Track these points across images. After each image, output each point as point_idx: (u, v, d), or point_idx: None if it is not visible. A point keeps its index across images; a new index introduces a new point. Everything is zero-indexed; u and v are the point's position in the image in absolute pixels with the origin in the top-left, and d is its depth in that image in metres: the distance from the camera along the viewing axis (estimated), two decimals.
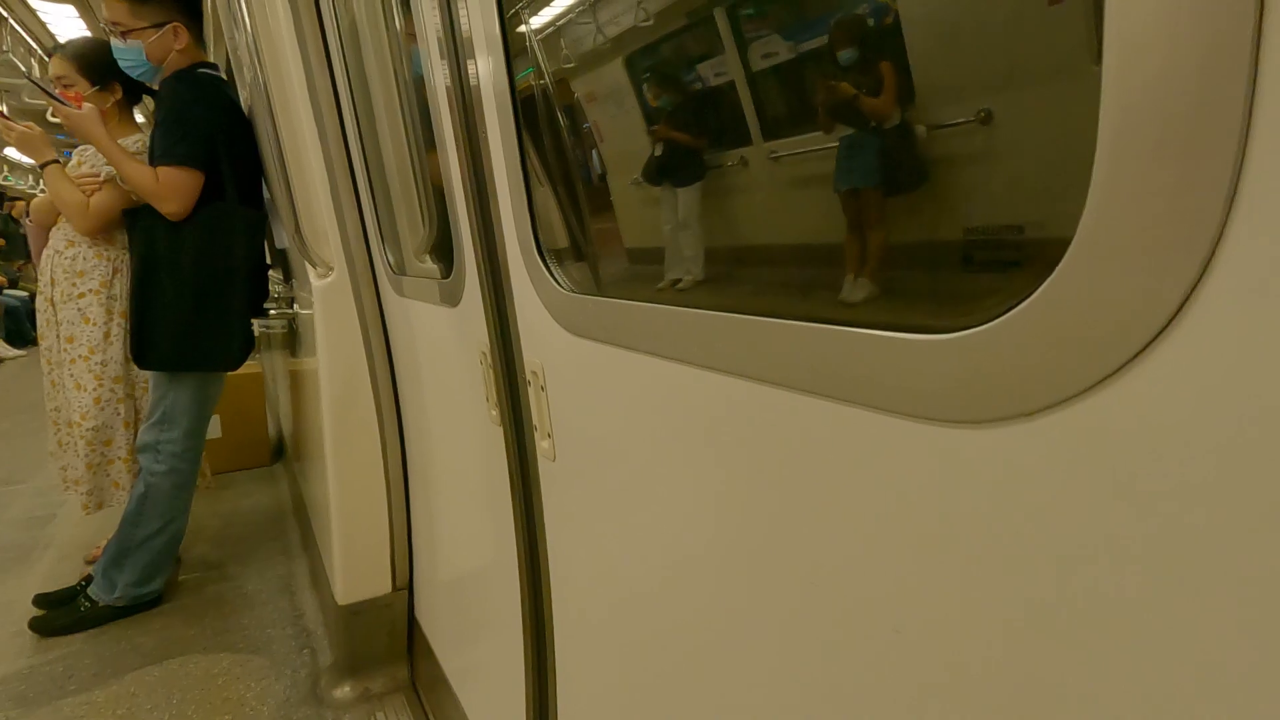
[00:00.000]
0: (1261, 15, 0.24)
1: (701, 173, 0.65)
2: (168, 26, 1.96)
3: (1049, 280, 0.31)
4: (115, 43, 1.97)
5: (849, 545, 0.47)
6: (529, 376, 0.92)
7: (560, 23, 0.81)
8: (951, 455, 0.38)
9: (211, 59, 2.50)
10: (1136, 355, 0.29)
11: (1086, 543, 0.33)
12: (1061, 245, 0.32)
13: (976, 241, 0.42)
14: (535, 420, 0.93)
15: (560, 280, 0.80)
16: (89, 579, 2.23)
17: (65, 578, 2.39)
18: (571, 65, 0.81)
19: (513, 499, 1.04)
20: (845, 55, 0.47)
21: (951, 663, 0.41)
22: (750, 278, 0.65)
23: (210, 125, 1.95)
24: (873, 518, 0.45)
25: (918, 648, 0.43)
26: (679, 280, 0.68)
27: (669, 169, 0.69)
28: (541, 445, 0.92)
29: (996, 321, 0.34)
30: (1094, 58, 0.32)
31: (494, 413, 1.04)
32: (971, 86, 0.41)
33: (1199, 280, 0.27)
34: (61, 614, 2.15)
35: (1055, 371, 0.32)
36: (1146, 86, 0.27)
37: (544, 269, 0.82)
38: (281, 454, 3.72)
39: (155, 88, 2.12)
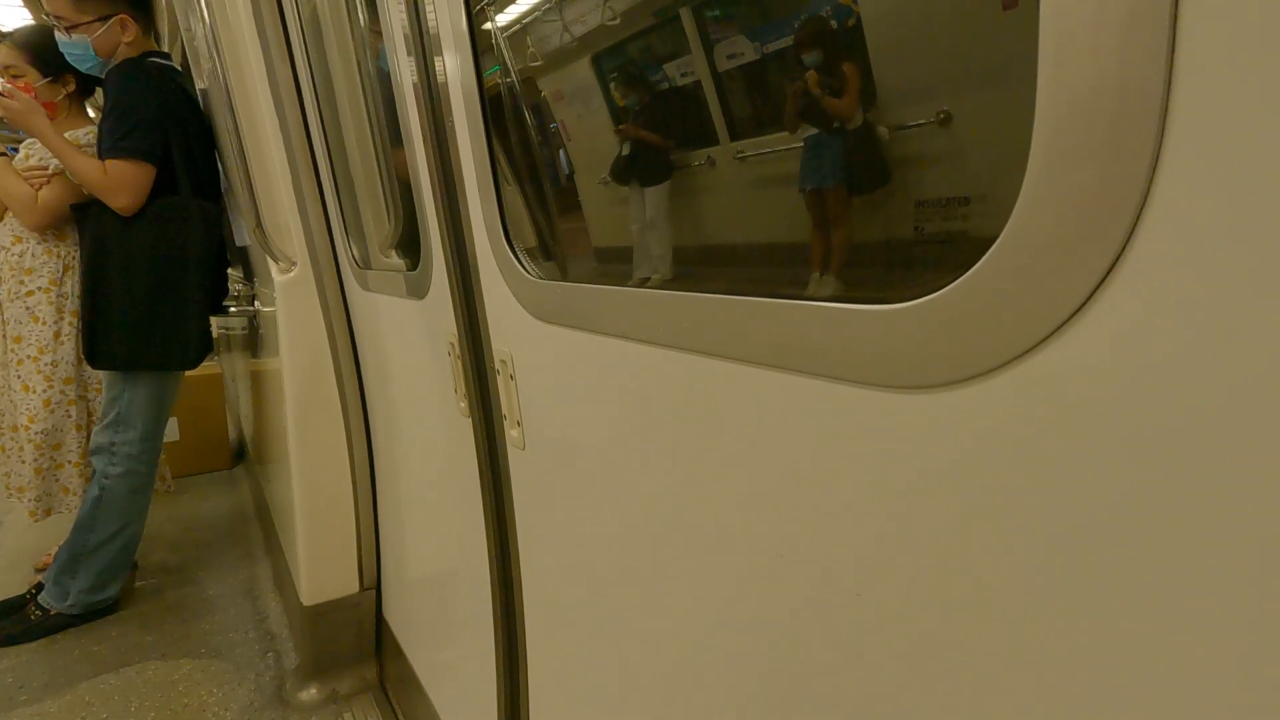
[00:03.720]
0: (1174, 38, 0.27)
1: (669, 172, 0.66)
2: (114, 19, 1.90)
3: (991, 250, 0.34)
4: (60, 36, 1.91)
5: (814, 515, 0.49)
6: (498, 365, 0.92)
7: (528, 20, 0.82)
8: (905, 420, 0.40)
9: (167, 50, 2.43)
10: (1071, 317, 0.32)
11: (1030, 497, 0.35)
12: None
13: (930, 229, 0.44)
14: (504, 409, 0.93)
15: (528, 268, 0.81)
16: (39, 587, 2.15)
17: (13, 587, 2.30)
18: (539, 63, 0.82)
19: (482, 490, 1.04)
20: (809, 57, 0.49)
21: (912, 623, 0.43)
22: (718, 276, 0.66)
23: (161, 116, 1.89)
24: (837, 486, 0.47)
25: (879, 610, 0.45)
26: (647, 279, 0.69)
27: (636, 168, 0.70)
28: (511, 434, 0.93)
29: (943, 291, 0.36)
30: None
31: (463, 404, 1.04)
32: (930, 89, 0.43)
33: (1124, 248, 0.30)
34: (11, 623, 2.07)
35: (998, 335, 0.34)
36: (1077, 71, 0.30)
37: (512, 257, 0.82)
38: (242, 457, 3.64)
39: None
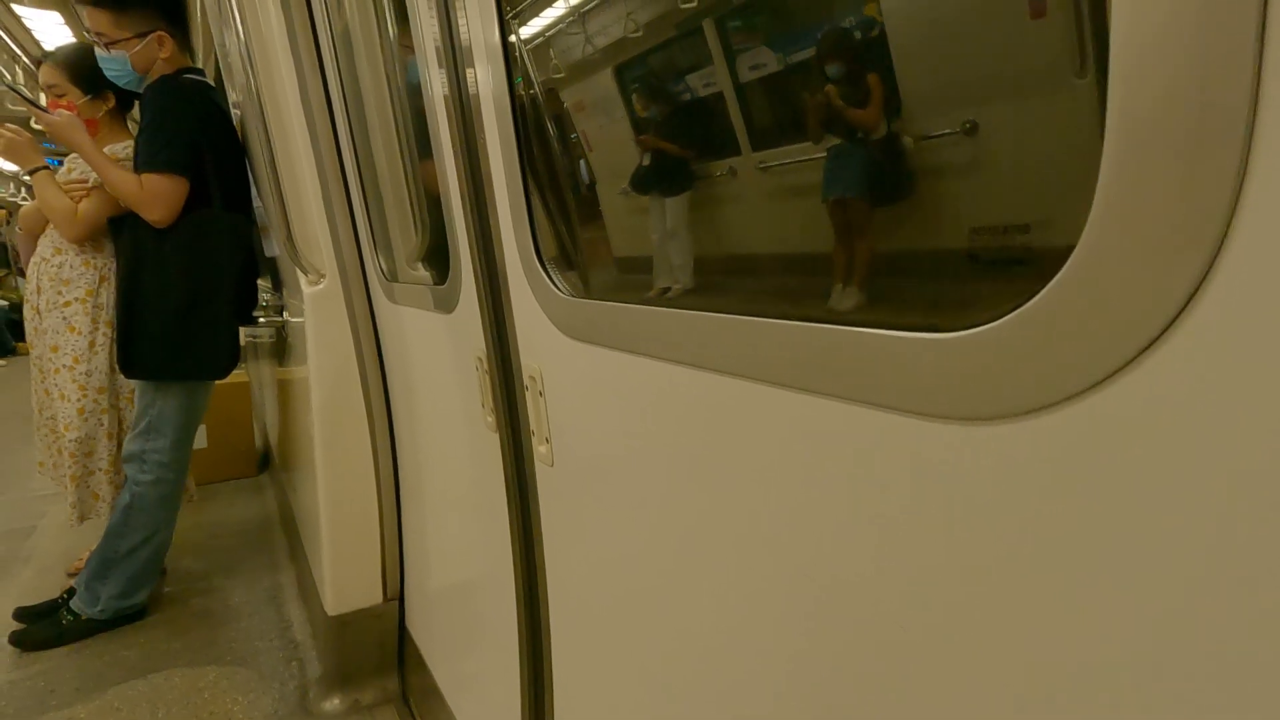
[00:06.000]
0: (1265, 22, 0.25)
1: (690, 182, 0.65)
2: (152, 35, 1.95)
3: (1056, 278, 0.32)
4: (100, 52, 1.96)
5: (854, 544, 0.47)
6: (527, 381, 0.92)
7: (553, 32, 0.81)
8: (959, 451, 0.39)
9: (201, 66, 2.49)
10: (1142, 352, 0.30)
11: (1093, 538, 0.33)
12: (1045, 249, 0.32)
13: (965, 248, 0.43)
14: (533, 425, 0.92)
15: (559, 284, 0.80)
16: (71, 592, 2.19)
17: (46, 591, 2.34)
18: (562, 75, 0.81)
19: (509, 505, 1.03)
20: (833, 68, 0.48)
21: (958, 660, 0.41)
22: (740, 287, 0.65)
23: (195, 131, 1.93)
24: (879, 515, 0.45)
25: (924, 646, 0.43)
26: (668, 289, 0.68)
27: (657, 178, 0.69)
28: (539, 450, 0.92)
29: (1003, 320, 0.34)
30: (1075, 69, 0.34)
31: (490, 418, 1.04)
32: (956, 99, 0.42)
33: (1204, 279, 0.28)
34: (43, 627, 2.11)
35: (1063, 368, 0.32)
36: (1152, 89, 0.28)
37: (543, 273, 0.82)
38: (267, 464, 3.68)
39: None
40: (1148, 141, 0.28)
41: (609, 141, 0.79)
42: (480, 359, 1.03)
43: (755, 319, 0.50)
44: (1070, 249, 0.31)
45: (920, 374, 0.39)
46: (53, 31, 5.22)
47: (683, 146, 0.67)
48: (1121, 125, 0.29)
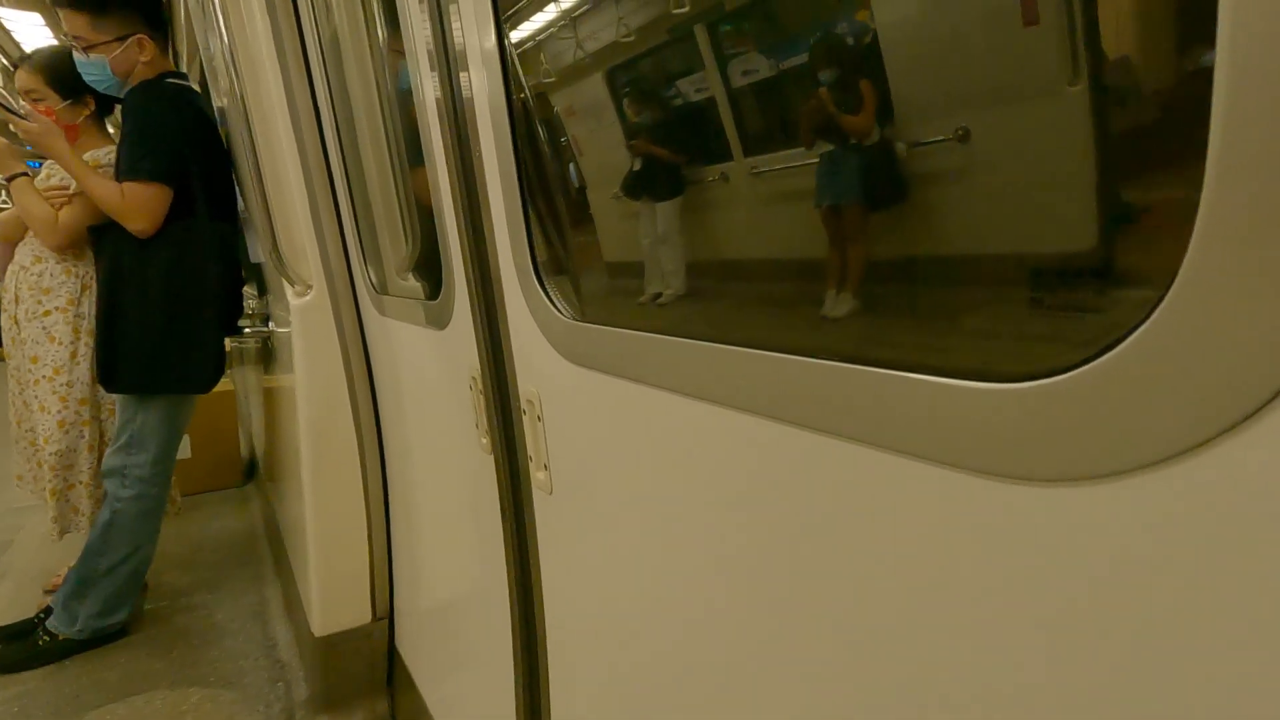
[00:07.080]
0: None
1: (680, 187, 0.64)
2: (131, 39, 1.89)
3: (1150, 321, 0.28)
4: (78, 57, 1.90)
5: (874, 598, 0.44)
6: (524, 405, 0.88)
7: (550, 35, 0.78)
8: (1012, 513, 0.35)
9: (185, 70, 2.43)
10: (1264, 405, 0.25)
11: (1179, 618, 0.29)
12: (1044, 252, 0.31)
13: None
14: (530, 450, 0.88)
15: (560, 306, 0.76)
16: (48, 610, 2.12)
17: (22, 609, 2.27)
18: (553, 79, 0.78)
19: (504, 530, 0.99)
20: (825, 74, 0.47)
21: None
22: (731, 293, 0.63)
23: (178, 138, 1.88)
24: (906, 570, 0.41)
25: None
26: (659, 294, 0.67)
27: (648, 183, 0.68)
28: (537, 477, 0.88)
29: (1082, 370, 0.30)
30: (1069, 78, 0.33)
31: (485, 441, 1.00)
32: (949, 105, 0.41)
33: None
34: (18, 648, 2.04)
35: (1156, 427, 0.28)
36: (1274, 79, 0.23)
37: (542, 294, 0.78)
38: (253, 473, 3.61)
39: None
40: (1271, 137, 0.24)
41: (615, 151, 0.76)
42: (475, 378, 0.99)
43: (781, 355, 0.47)
44: (1062, 255, 0.28)
45: (971, 426, 0.35)
46: (32, 33, 5.13)
47: (674, 151, 0.66)
48: (1240, 126, 0.24)
